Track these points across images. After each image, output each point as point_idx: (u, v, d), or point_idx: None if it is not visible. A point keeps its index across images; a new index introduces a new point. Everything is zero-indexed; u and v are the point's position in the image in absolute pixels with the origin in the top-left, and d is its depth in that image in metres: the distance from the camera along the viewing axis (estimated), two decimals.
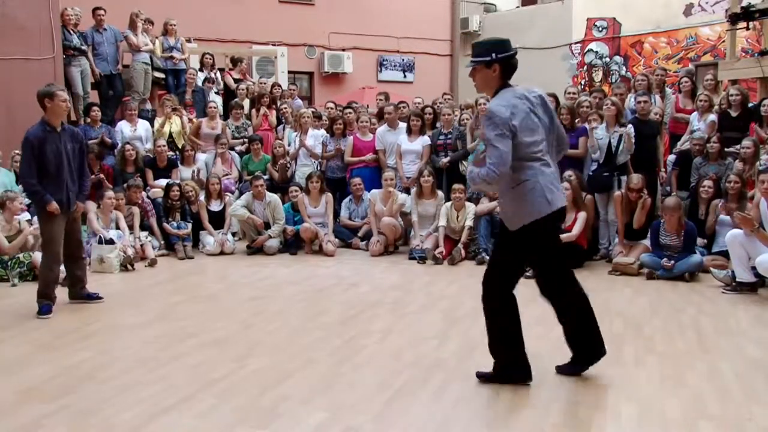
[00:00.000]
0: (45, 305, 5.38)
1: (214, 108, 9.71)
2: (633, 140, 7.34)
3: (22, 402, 3.62)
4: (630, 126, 7.48)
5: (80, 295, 5.80)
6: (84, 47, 9.61)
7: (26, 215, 7.17)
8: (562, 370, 3.94)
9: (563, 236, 6.87)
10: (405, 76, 16.53)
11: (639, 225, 7.08)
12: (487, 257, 7.21)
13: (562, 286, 3.91)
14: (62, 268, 6.60)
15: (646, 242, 7.01)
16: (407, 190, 8.48)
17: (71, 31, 9.48)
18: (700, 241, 6.92)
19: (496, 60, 3.55)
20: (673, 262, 6.52)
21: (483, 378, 3.82)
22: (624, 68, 14.34)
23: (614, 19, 14.54)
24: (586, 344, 3.87)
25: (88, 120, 9.12)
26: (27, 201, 7.53)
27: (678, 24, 13.67)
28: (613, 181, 7.51)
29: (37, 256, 6.68)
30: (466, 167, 3.72)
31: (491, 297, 3.83)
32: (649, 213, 7.15)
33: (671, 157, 8.27)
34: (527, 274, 6.55)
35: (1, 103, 8.78)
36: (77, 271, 5.79)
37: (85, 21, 9.88)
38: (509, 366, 3.78)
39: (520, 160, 3.51)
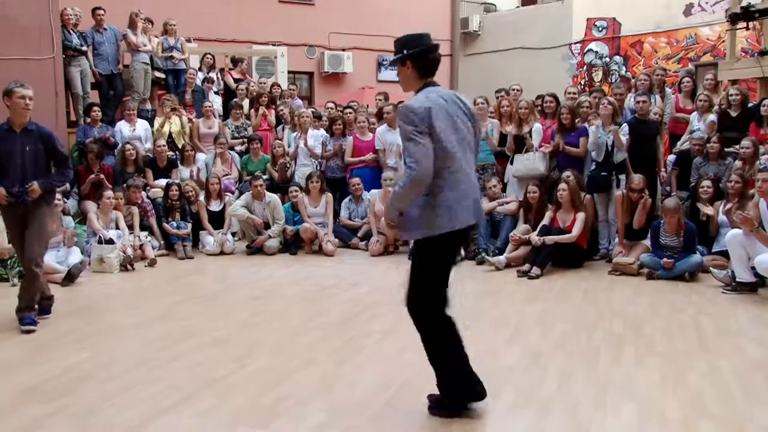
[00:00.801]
0: (27, 316, 5.07)
1: (210, 108, 9.71)
2: (622, 139, 7.33)
3: (22, 402, 3.62)
4: (625, 126, 7.47)
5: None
6: (84, 47, 9.60)
7: None
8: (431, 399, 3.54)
9: (564, 237, 6.91)
10: None
11: (639, 225, 7.08)
12: (488, 257, 7.23)
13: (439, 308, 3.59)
14: (61, 267, 6.66)
15: (646, 242, 7.01)
16: None
17: (71, 31, 9.47)
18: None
19: (407, 56, 3.35)
20: (673, 261, 6.52)
21: (433, 408, 3.45)
22: (624, 68, 14.34)
23: (614, 19, 14.54)
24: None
25: (88, 120, 9.12)
26: None
27: (678, 24, 13.68)
28: (612, 181, 7.51)
29: None
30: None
31: (425, 321, 3.52)
32: (648, 213, 7.14)
33: (671, 157, 8.27)
34: (530, 273, 6.66)
35: (1, 102, 8.77)
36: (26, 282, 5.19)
37: (84, 21, 9.88)
38: (459, 389, 3.43)
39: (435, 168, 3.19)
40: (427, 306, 3.47)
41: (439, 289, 3.50)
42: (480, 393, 3.42)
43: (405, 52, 3.36)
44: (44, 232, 5.19)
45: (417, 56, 3.36)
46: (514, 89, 9.36)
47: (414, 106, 3.21)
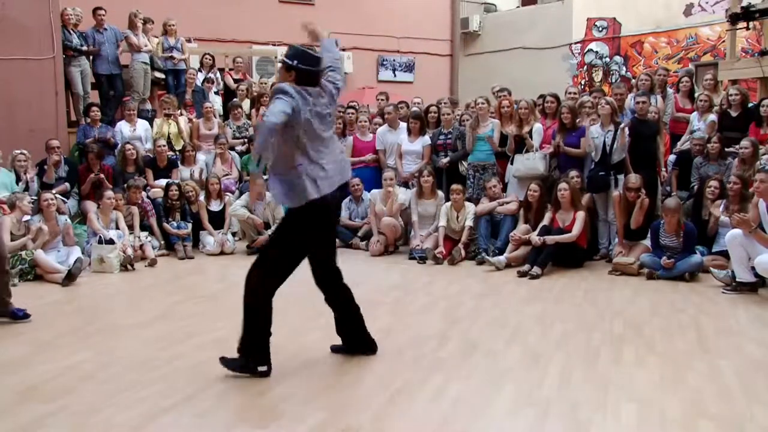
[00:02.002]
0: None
1: (210, 109, 9.71)
2: (626, 137, 7.34)
3: (22, 402, 3.62)
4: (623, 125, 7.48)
5: (4, 312, 5.17)
6: (84, 47, 9.60)
7: (27, 216, 7.17)
8: (335, 348, 4.34)
9: (564, 236, 6.91)
10: (405, 76, 16.52)
11: (637, 225, 7.08)
12: (488, 257, 7.23)
13: (331, 278, 4.29)
14: (62, 267, 6.66)
15: (646, 242, 7.01)
16: (405, 184, 8.48)
17: (71, 31, 9.47)
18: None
19: (294, 67, 3.81)
20: (673, 260, 6.52)
21: (225, 362, 3.96)
22: (624, 68, 14.33)
23: (614, 19, 14.54)
24: (352, 336, 4.30)
25: (88, 120, 9.12)
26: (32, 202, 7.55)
27: (678, 24, 13.67)
28: (610, 181, 7.50)
29: (39, 254, 6.71)
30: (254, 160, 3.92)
31: (256, 295, 3.98)
32: (648, 213, 7.14)
33: (671, 157, 8.26)
34: (531, 273, 6.66)
35: (1, 102, 8.79)
36: None
37: (84, 21, 9.88)
38: (255, 359, 3.93)
39: (299, 148, 3.77)
40: (270, 284, 3.97)
41: (288, 267, 4.02)
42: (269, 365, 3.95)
43: (295, 62, 3.82)
44: None
45: (302, 72, 3.83)
46: (496, 92, 9.33)
47: (287, 87, 3.73)
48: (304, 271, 7.34)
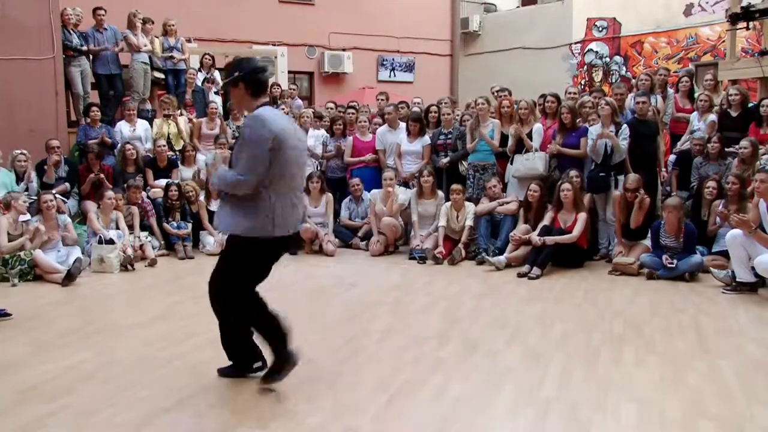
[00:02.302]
0: None
1: (215, 108, 9.71)
2: (620, 144, 7.34)
3: (22, 402, 3.62)
4: (625, 128, 7.47)
5: None
6: (83, 47, 9.60)
7: (26, 216, 7.17)
8: (223, 372, 3.95)
9: (564, 237, 6.91)
10: (405, 76, 16.53)
11: (636, 225, 7.08)
12: (488, 257, 7.23)
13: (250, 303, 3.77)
14: (61, 267, 6.66)
15: (646, 242, 7.01)
16: (406, 184, 8.48)
17: (71, 31, 9.47)
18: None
19: (239, 78, 3.55)
20: (675, 261, 6.51)
21: (223, 373, 3.90)
22: (624, 68, 14.34)
23: (614, 19, 14.55)
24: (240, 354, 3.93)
25: (88, 120, 9.12)
26: (29, 201, 7.54)
27: (678, 24, 13.68)
28: (611, 181, 7.50)
29: (38, 254, 6.71)
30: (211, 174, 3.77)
31: (218, 299, 3.72)
32: (648, 213, 7.14)
33: (671, 157, 8.26)
34: (530, 274, 6.66)
35: (1, 102, 8.79)
36: None
37: (84, 22, 9.88)
38: (246, 359, 3.87)
39: (271, 177, 3.46)
40: (232, 297, 3.68)
41: (248, 284, 3.71)
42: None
43: (236, 73, 3.57)
44: None
45: (248, 77, 3.55)
46: (496, 93, 9.33)
47: (266, 116, 3.46)
48: (304, 271, 7.37)
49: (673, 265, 6.51)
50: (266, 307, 3.74)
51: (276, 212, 3.49)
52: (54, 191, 7.64)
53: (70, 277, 6.51)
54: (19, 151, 8.03)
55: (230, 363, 3.91)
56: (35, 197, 7.84)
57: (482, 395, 3.68)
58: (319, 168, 9.09)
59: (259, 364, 3.88)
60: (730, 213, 6.36)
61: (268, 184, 3.47)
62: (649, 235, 6.96)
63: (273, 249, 3.64)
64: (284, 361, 3.65)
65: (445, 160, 8.42)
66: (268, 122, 3.42)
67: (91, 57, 9.81)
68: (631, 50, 14.32)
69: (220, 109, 10.29)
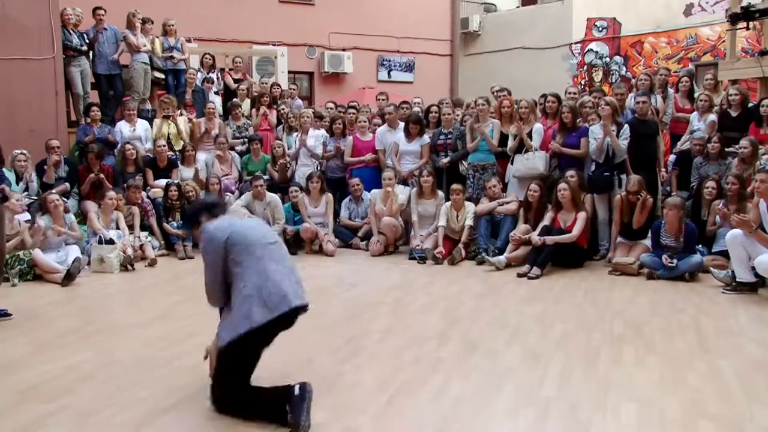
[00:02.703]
0: None
1: (213, 109, 9.71)
2: (620, 144, 7.33)
3: (22, 402, 3.62)
4: (626, 128, 7.46)
5: None
6: (83, 47, 9.60)
7: (26, 215, 7.17)
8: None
9: (564, 237, 6.91)
10: (405, 76, 16.53)
11: (638, 225, 7.08)
12: (488, 257, 7.23)
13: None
14: (61, 267, 6.66)
15: (647, 242, 7.01)
16: (405, 182, 8.48)
17: (71, 31, 9.47)
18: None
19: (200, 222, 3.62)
20: (675, 261, 6.51)
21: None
22: (624, 68, 14.34)
23: (614, 19, 14.55)
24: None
25: (88, 120, 9.11)
26: (27, 201, 7.54)
27: (678, 24, 13.68)
28: (614, 181, 7.50)
29: (38, 254, 6.71)
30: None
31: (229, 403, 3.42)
32: (649, 213, 7.14)
33: (671, 157, 8.26)
34: (530, 275, 6.66)
35: (1, 102, 8.78)
36: None
37: (84, 22, 9.88)
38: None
39: (239, 269, 3.42)
40: (234, 397, 3.40)
41: (245, 377, 3.46)
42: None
43: (200, 218, 3.64)
44: None
45: (201, 215, 3.65)
46: (496, 92, 9.33)
47: (211, 229, 3.49)
48: (305, 271, 7.33)
49: (673, 265, 6.51)
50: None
51: (260, 296, 3.37)
52: (54, 191, 7.64)
53: (69, 277, 6.51)
54: (18, 151, 8.03)
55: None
56: (35, 197, 7.85)
57: (482, 395, 3.68)
58: (319, 168, 9.09)
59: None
60: (731, 213, 6.36)
61: (237, 280, 3.43)
62: (649, 234, 6.96)
63: (267, 333, 3.47)
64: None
65: (445, 160, 8.42)
66: (214, 232, 3.47)
67: (91, 57, 9.80)
68: (631, 50, 14.32)
69: (219, 109, 10.31)
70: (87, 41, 9.69)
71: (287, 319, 3.50)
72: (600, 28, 14.74)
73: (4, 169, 7.95)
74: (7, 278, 6.56)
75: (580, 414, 3.42)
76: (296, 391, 3.30)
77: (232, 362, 3.42)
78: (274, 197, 8.36)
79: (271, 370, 4.07)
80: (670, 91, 8.90)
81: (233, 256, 3.43)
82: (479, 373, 4.04)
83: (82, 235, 7.37)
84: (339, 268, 7.35)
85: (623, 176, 7.47)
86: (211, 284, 3.57)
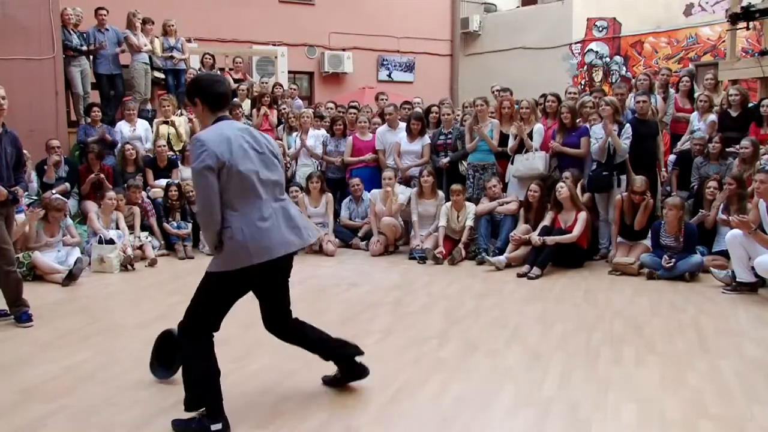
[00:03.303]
0: (23, 313, 5.15)
1: None
2: (621, 144, 7.32)
3: (22, 402, 3.62)
4: (628, 127, 7.46)
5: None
6: (84, 47, 9.60)
7: (21, 216, 7.15)
8: (328, 381, 3.81)
9: (565, 237, 6.91)
10: (405, 76, 16.53)
11: (640, 226, 7.08)
12: (488, 257, 7.23)
13: (283, 324, 3.66)
14: (62, 267, 6.66)
15: (647, 242, 7.01)
16: (407, 182, 8.48)
17: (71, 31, 9.47)
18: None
19: (194, 94, 3.35)
20: (674, 261, 6.51)
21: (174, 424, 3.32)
22: (624, 68, 14.34)
23: (614, 19, 14.55)
24: (341, 361, 3.74)
25: (89, 120, 9.12)
26: (27, 201, 7.52)
27: (678, 24, 13.68)
28: (613, 181, 7.49)
29: (37, 256, 6.70)
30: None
31: (192, 339, 3.32)
32: (649, 213, 7.14)
33: (671, 157, 8.27)
34: (529, 275, 6.66)
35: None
36: None
37: (84, 22, 9.88)
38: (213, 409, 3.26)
39: (226, 202, 3.18)
40: (199, 330, 3.33)
41: (217, 316, 3.40)
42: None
43: (192, 90, 3.38)
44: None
45: (203, 92, 3.32)
46: (497, 92, 9.34)
47: (203, 137, 3.16)
48: (305, 271, 7.36)
49: (672, 265, 6.51)
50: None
51: (247, 237, 3.18)
52: (54, 191, 7.63)
53: (71, 277, 6.51)
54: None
55: None
56: (36, 197, 7.84)
57: (482, 395, 3.68)
58: (319, 168, 9.09)
59: (218, 426, 3.23)
60: (731, 213, 6.36)
61: (229, 209, 3.19)
62: (649, 234, 6.96)
63: (253, 277, 3.35)
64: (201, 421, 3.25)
65: (445, 160, 8.42)
66: (207, 144, 3.12)
67: (91, 57, 9.80)
68: (632, 50, 14.32)
69: None
70: (90, 42, 9.67)
71: (279, 265, 3.35)
72: (600, 28, 14.74)
73: None
74: None
75: (581, 414, 3.42)
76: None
77: (212, 294, 3.35)
78: None
79: (271, 369, 4.08)
80: (671, 91, 8.91)
81: (223, 184, 3.16)
82: (479, 373, 4.04)
83: (81, 240, 7.34)
84: (339, 268, 7.35)
85: (622, 176, 7.47)
86: (206, 204, 3.18)
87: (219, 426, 3.20)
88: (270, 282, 3.48)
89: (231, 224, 3.19)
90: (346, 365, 3.73)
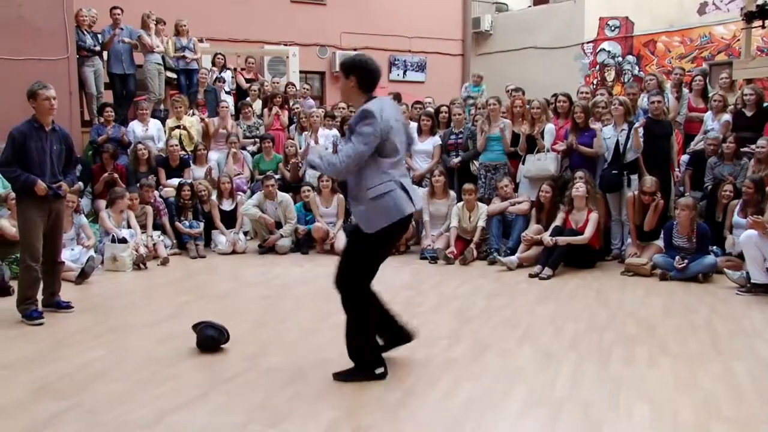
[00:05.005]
0: (33, 311, 5.21)
1: (225, 108, 9.75)
2: (641, 138, 7.29)
3: (35, 399, 3.64)
4: (641, 120, 7.42)
5: (49, 302, 5.48)
6: (97, 47, 9.66)
7: None
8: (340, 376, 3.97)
9: (577, 238, 6.88)
10: (416, 76, 16.52)
11: (650, 227, 7.03)
12: (499, 257, 7.22)
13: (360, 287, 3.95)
14: (75, 265, 6.69)
15: (659, 243, 6.96)
16: (419, 183, 8.47)
17: (85, 32, 9.54)
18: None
19: (353, 69, 3.79)
20: (686, 261, 6.47)
21: (339, 376, 3.88)
22: (637, 68, 14.25)
23: (627, 18, 14.46)
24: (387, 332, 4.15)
25: (102, 120, 9.17)
26: None
27: (692, 23, 13.58)
28: (623, 180, 7.45)
29: None
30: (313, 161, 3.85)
31: (352, 296, 3.85)
32: (661, 214, 7.09)
33: (685, 157, 8.21)
34: (541, 275, 6.64)
35: (16, 103, 8.83)
36: (51, 276, 5.49)
37: (98, 23, 9.94)
38: (368, 362, 3.88)
39: (379, 166, 3.66)
40: (355, 284, 3.83)
41: (371, 269, 3.86)
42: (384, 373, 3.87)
43: (352, 66, 3.80)
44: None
45: (361, 71, 3.78)
46: (510, 92, 9.32)
47: (371, 108, 3.61)
48: (316, 270, 7.37)
49: (685, 266, 6.46)
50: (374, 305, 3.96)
51: (403, 191, 3.72)
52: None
53: (83, 275, 6.56)
54: None
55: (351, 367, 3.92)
56: None
57: (494, 395, 3.67)
58: None
59: (381, 370, 3.87)
60: (747, 215, 6.33)
61: (386, 170, 3.68)
62: (662, 235, 6.91)
63: (402, 225, 3.81)
64: (365, 367, 3.86)
65: (456, 160, 8.40)
66: (376, 113, 3.58)
67: (104, 56, 9.86)
68: (644, 49, 14.23)
69: (232, 109, 10.34)
70: (103, 40, 9.73)
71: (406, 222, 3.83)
72: (612, 28, 14.67)
73: None
74: None
75: (592, 414, 3.40)
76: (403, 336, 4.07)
77: (367, 253, 3.80)
78: (285, 196, 8.37)
79: (282, 368, 4.09)
80: (685, 90, 8.84)
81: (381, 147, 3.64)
82: (490, 373, 4.03)
83: (95, 240, 7.37)
84: None
85: (633, 176, 7.42)
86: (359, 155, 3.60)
87: (381, 369, 3.83)
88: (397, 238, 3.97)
89: (385, 185, 3.68)
90: (392, 337, 4.13)
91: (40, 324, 5.12)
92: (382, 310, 4.07)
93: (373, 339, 3.95)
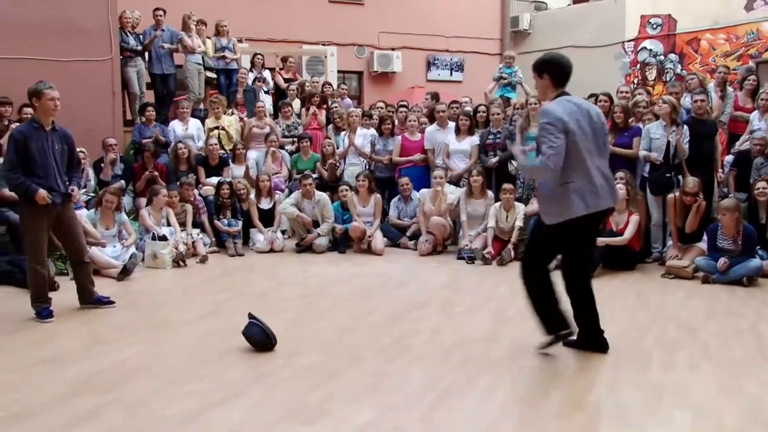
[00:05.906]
0: (44, 309, 5.24)
1: (262, 108, 9.83)
2: (685, 146, 7.13)
3: (76, 393, 3.72)
4: (685, 128, 7.26)
5: (90, 300, 5.57)
6: (140, 48, 9.84)
7: (83, 212, 7.35)
8: (568, 343, 4.36)
9: (615, 239, 6.77)
10: (454, 76, 16.45)
11: (691, 229, 6.87)
12: None
13: (577, 281, 4.29)
14: (116, 262, 6.80)
15: (702, 245, 6.80)
16: (456, 183, 8.43)
17: (128, 33, 9.72)
18: None
19: (544, 68, 4.16)
20: (728, 262, 6.29)
21: (568, 344, 4.34)
22: (679, 66, 13.96)
23: (669, 15, 14.19)
24: (587, 332, 4.34)
25: (143, 119, 9.32)
26: (85, 198, 7.72)
27: (738, 20, 13.24)
28: (674, 182, 7.28)
29: (94, 251, 6.85)
30: (516, 157, 4.30)
31: (530, 278, 4.23)
32: (703, 216, 6.92)
33: (729, 158, 8.00)
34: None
35: (61, 103, 9.03)
36: (81, 276, 5.56)
37: (141, 25, 10.11)
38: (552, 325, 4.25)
39: (567, 163, 3.89)
40: (539, 266, 4.21)
41: (550, 255, 4.24)
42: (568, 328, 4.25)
43: (543, 65, 4.14)
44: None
45: (554, 68, 4.15)
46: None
47: (549, 108, 3.94)
48: (353, 269, 7.37)
49: (728, 267, 6.29)
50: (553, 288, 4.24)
51: (582, 193, 3.92)
52: (110, 188, 7.79)
53: (125, 272, 6.67)
54: (80, 149, 8.24)
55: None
56: (93, 194, 8.06)
57: (531, 398, 3.63)
58: (367, 167, 9.11)
59: (568, 330, 4.23)
60: None
61: (569, 170, 3.90)
62: (704, 237, 6.75)
63: (582, 226, 4.03)
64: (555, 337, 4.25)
65: (494, 160, 8.34)
66: (551, 112, 3.91)
67: (147, 57, 10.03)
68: (687, 48, 13.94)
69: (270, 109, 10.43)
70: (145, 40, 9.90)
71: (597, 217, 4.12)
72: (654, 26, 14.40)
73: None
74: (66, 272, 6.71)
75: (631, 419, 3.34)
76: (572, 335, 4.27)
77: (546, 242, 4.17)
78: (323, 196, 8.41)
79: (319, 366, 4.10)
80: (729, 89, 8.63)
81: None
82: (528, 375, 3.98)
83: (135, 237, 7.48)
84: (387, 267, 7.34)
85: (679, 177, 7.26)
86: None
87: (550, 339, 4.22)
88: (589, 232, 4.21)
89: (573, 180, 3.94)
90: (589, 337, 4.33)
91: (50, 323, 5.16)
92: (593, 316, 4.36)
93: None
